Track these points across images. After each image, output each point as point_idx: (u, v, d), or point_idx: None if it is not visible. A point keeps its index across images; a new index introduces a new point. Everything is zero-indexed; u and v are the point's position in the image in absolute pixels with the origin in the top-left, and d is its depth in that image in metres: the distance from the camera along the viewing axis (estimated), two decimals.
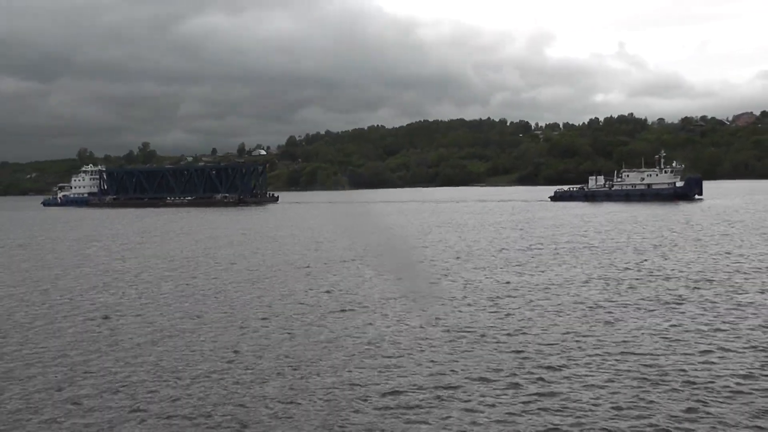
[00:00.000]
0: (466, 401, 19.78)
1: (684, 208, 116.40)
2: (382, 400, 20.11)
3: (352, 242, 65.24)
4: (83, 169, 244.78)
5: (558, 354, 24.36)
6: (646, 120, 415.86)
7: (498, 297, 35.73)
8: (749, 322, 28.66)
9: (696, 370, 22.11)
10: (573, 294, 36.18)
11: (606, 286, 38.53)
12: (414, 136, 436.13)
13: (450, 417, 18.64)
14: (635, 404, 19.14)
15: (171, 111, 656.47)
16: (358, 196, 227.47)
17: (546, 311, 31.80)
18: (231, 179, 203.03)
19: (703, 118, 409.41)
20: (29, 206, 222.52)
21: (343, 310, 33.24)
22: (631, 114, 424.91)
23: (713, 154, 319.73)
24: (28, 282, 45.93)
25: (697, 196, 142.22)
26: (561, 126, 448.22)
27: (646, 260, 48.81)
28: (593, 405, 19.18)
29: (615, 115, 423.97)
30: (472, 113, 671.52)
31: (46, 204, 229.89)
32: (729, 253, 51.29)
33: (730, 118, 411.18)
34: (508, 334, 27.40)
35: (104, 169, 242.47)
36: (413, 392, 20.65)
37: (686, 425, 17.66)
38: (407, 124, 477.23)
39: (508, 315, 31.12)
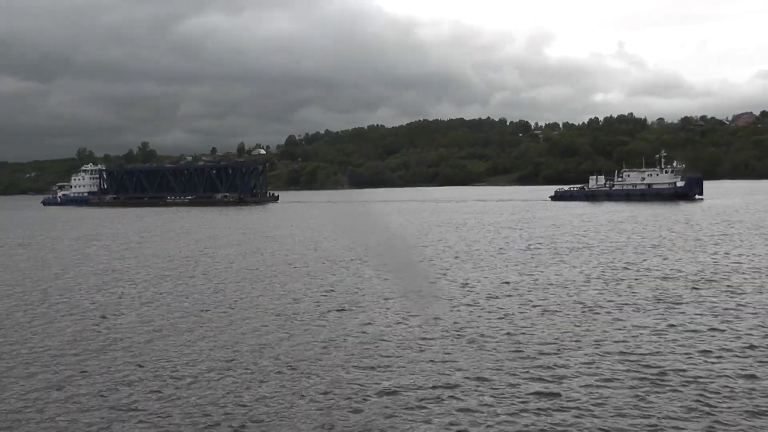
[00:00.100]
0: (465, 400, 19.74)
1: (684, 207, 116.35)
2: (381, 399, 20.06)
3: (351, 242, 65.25)
4: (83, 168, 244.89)
5: (557, 353, 24.32)
6: (645, 120, 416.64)
7: (497, 296, 35.68)
8: (748, 322, 28.62)
9: (695, 369, 22.06)
10: (572, 293, 36.14)
11: (605, 285, 38.48)
12: (414, 136, 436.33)
13: (449, 416, 18.61)
14: (634, 404, 19.10)
15: (171, 111, 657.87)
16: (357, 196, 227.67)
17: (545, 311, 31.75)
18: (231, 179, 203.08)
19: (703, 117, 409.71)
20: (29, 205, 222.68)
21: (342, 309, 33.20)
22: (631, 114, 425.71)
23: (713, 154, 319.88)
24: (28, 281, 45.88)
25: (697, 196, 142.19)
26: (561, 126, 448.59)
27: (645, 260, 48.77)
28: (592, 404, 19.15)
29: (615, 115, 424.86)
30: (471, 113, 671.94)
31: (46, 203, 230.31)
32: (728, 253, 51.27)
33: (730, 118, 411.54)
34: (507, 334, 27.36)
35: (104, 168, 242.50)
36: (412, 391, 20.60)
37: (685, 424, 17.62)
38: (407, 124, 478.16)
39: (507, 314, 31.06)
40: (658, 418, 18.07)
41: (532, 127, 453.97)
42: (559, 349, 24.87)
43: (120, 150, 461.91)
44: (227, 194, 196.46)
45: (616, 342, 25.75)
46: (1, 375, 23.48)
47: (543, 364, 23.11)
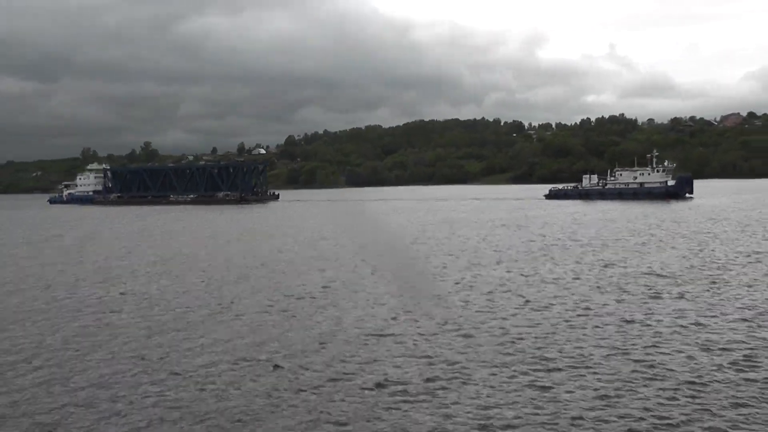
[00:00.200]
0: (459, 392, 19.66)
1: (675, 206, 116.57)
2: (375, 391, 20.00)
3: (349, 239, 65.31)
4: (88, 167, 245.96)
5: (548, 347, 24.27)
6: (636, 120, 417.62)
7: (491, 292, 35.61)
8: (732, 315, 28.64)
9: (683, 361, 22.03)
10: (564, 289, 36.12)
11: (597, 281, 38.47)
12: (411, 136, 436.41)
13: (443, 407, 18.52)
14: (624, 394, 19.05)
15: (171, 111, 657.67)
16: (356, 195, 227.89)
17: (538, 306, 31.72)
18: (232, 178, 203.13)
19: (692, 118, 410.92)
20: (35, 204, 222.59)
21: (337, 305, 33.11)
22: (622, 114, 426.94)
23: (701, 154, 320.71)
24: (32, 278, 45.68)
25: (687, 195, 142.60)
26: (554, 126, 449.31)
27: (636, 257, 48.85)
28: (582, 395, 19.11)
29: (606, 116, 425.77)
30: (466, 113, 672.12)
31: (52, 202, 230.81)
32: (714, 251, 51.30)
33: (718, 119, 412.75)
34: (501, 328, 27.32)
35: (109, 168, 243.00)
36: (406, 384, 20.52)
37: (671, 412, 17.55)
38: (404, 124, 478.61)
39: (500, 310, 31.01)
40: (647, 407, 18.01)
41: (526, 127, 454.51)
42: (551, 343, 24.83)
43: (120, 149, 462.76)
44: (228, 193, 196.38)
45: (606, 336, 25.75)
46: (6, 368, 23.38)
47: (535, 356, 23.07)
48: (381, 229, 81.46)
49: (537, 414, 17.91)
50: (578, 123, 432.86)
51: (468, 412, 18.15)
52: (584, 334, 26.02)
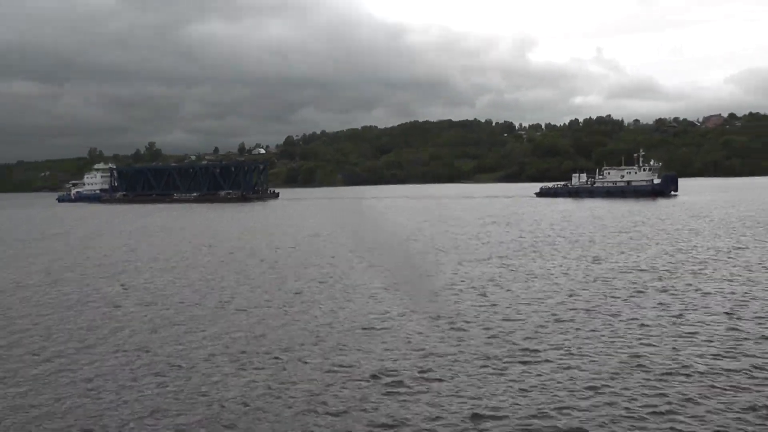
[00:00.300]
0: (450, 382, 19.62)
1: (661, 203, 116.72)
2: (370, 382, 19.96)
3: (347, 236, 65.25)
4: (95, 167, 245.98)
5: (537, 338, 24.25)
6: (622, 121, 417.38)
7: (483, 287, 35.60)
8: (714, 308, 28.66)
9: (666, 352, 22.03)
10: (553, 284, 36.12)
11: (585, 276, 38.50)
12: (406, 136, 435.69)
13: (436, 396, 18.49)
14: (609, 383, 19.03)
15: (173, 112, 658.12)
16: (353, 193, 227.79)
17: (529, 300, 31.71)
18: (234, 177, 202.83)
19: (676, 119, 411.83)
20: (45, 202, 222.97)
21: (334, 299, 33.08)
22: (609, 115, 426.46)
23: (685, 153, 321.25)
24: (41, 273, 45.61)
25: (673, 193, 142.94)
26: (543, 126, 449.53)
27: (622, 252, 48.86)
28: (569, 384, 19.08)
29: (594, 117, 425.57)
30: (459, 114, 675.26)
31: (60, 200, 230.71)
32: (696, 246, 51.41)
33: (701, 120, 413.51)
34: (491, 321, 27.30)
35: (115, 167, 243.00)
36: (400, 373, 20.49)
37: (654, 400, 17.52)
38: (399, 124, 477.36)
39: (492, 304, 31.00)
40: (633, 397, 18.00)
41: (517, 128, 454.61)
42: (540, 335, 24.81)
43: (125, 149, 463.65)
44: (230, 192, 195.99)
45: (593, 328, 25.73)
46: (14, 359, 23.33)
47: (525, 348, 23.04)
48: (377, 227, 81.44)
49: (527, 404, 17.88)
50: (567, 124, 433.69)
51: (461, 402, 18.12)
52: (572, 327, 25.98)
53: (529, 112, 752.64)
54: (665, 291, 33.02)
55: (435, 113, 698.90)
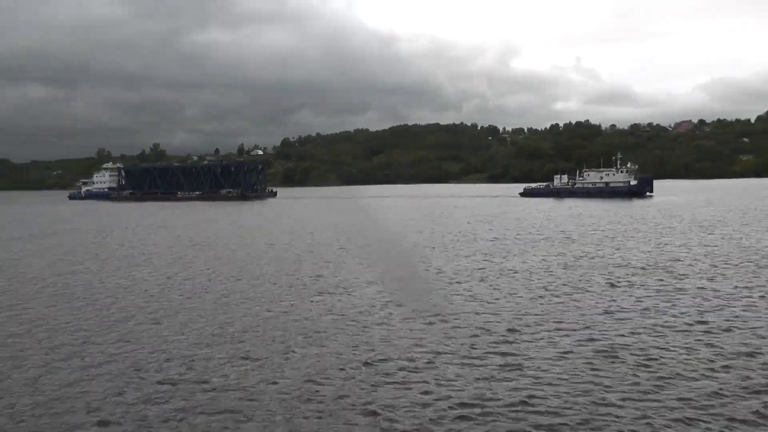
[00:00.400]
0: (437, 371, 19.57)
1: (637, 203, 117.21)
2: (362, 370, 19.90)
3: (341, 234, 65.19)
4: (104, 166, 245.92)
5: (520, 331, 24.24)
6: (600, 126, 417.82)
7: (469, 282, 35.59)
8: (687, 302, 28.74)
9: (642, 344, 22.06)
10: (535, 279, 36.18)
11: (564, 271, 38.54)
12: (396, 139, 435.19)
13: (425, 384, 18.44)
14: (589, 373, 19.04)
15: (177, 115, 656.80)
16: (346, 192, 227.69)
17: (510, 294, 31.74)
18: (234, 176, 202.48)
19: (650, 124, 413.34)
20: (57, 200, 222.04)
21: (328, 293, 32.99)
22: (587, 120, 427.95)
23: (658, 156, 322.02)
24: (53, 266, 45.32)
25: (648, 194, 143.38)
26: (526, 130, 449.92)
27: (600, 249, 48.97)
28: (551, 375, 19.06)
29: (573, 121, 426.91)
30: (446, 118, 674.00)
31: (72, 197, 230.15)
32: (667, 244, 51.58)
33: (672, 125, 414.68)
34: (477, 314, 27.27)
35: (122, 167, 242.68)
36: (391, 362, 20.43)
37: (632, 389, 17.53)
38: (389, 128, 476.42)
39: (477, 298, 31.02)
40: (609, 385, 18.01)
41: (501, 132, 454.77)
42: (522, 328, 24.77)
43: (132, 149, 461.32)
44: (231, 190, 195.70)
45: (572, 320, 25.76)
46: (27, 346, 23.20)
47: (508, 339, 23.02)
48: (369, 224, 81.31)
49: (510, 391, 17.86)
50: (548, 128, 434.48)
51: (448, 388, 18.08)
52: (552, 320, 25.96)
53: (513, 116, 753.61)
54: (640, 286, 33.06)
55: (423, 117, 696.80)
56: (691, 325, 24.73)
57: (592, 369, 19.60)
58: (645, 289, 32.04)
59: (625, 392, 17.63)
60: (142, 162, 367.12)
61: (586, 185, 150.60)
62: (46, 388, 18.88)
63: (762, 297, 29.63)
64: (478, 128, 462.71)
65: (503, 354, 21.27)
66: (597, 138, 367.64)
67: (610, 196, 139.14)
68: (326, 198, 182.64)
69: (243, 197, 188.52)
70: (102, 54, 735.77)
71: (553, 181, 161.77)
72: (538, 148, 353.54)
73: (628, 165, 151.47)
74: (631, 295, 30.64)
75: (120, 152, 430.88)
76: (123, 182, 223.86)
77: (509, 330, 24.33)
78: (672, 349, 21.54)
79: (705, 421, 15.70)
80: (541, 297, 30.65)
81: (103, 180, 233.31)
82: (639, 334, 23.54)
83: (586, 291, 31.99)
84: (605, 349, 21.63)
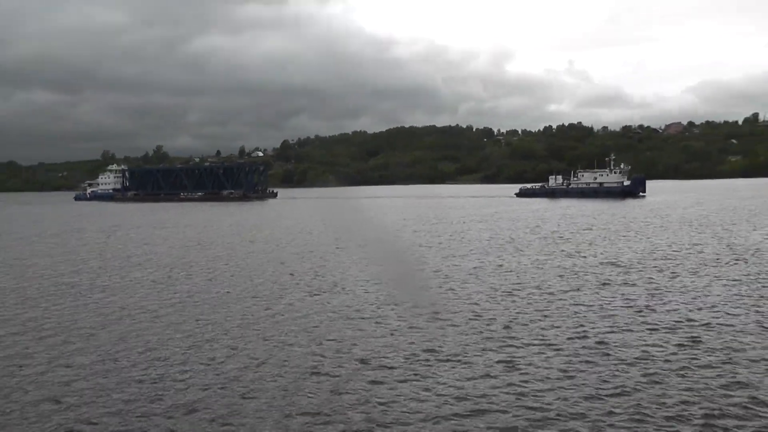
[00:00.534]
0: (433, 368, 19.56)
1: (630, 203, 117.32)
2: (358, 366, 19.88)
3: (340, 233, 65.07)
4: (109, 168, 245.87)
5: (516, 329, 24.23)
6: (592, 128, 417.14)
7: (465, 281, 35.58)
8: (676, 299, 28.77)
9: (633, 340, 22.08)
10: (531, 278, 36.16)
11: (559, 270, 38.55)
12: (393, 140, 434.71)
13: (423, 381, 18.44)
14: (581, 369, 19.04)
15: (179, 119, 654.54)
16: (344, 193, 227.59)
17: (508, 293, 31.74)
18: (236, 177, 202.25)
19: (640, 126, 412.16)
20: (63, 200, 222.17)
21: (325, 292, 33.00)
22: (580, 122, 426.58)
23: (649, 157, 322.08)
24: (63, 264, 45.23)
25: (641, 194, 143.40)
26: (520, 132, 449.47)
27: (593, 247, 49.05)
28: (544, 370, 19.05)
29: (566, 123, 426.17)
30: (442, 120, 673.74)
31: (77, 198, 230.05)
32: (653, 242, 51.64)
33: (663, 127, 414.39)
34: (472, 312, 27.26)
35: (126, 168, 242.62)
36: (387, 359, 20.43)
37: (622, 380, 17.52)
38: (386, 130, 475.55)
39: (473, 296, 31.04)
40: (604, 379, 18.00)
41: (495, 133, 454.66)
42: (518, 325, 24.78)
43: (135, 152, 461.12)
44: (232, 191, 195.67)
45: (566, 319, 25.75)
46: (32, 342, 23.14)
47: (504, 336, 22.99)
48: (366, 224, 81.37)
49: (505, 388, 17.85)
50: (541, 130, 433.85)
51: (444, 386, 18.06)
52: (546, 318, 25.98)
53: (507, 118, 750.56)
54: (632, 284, 33.08)
55: (419, 120, 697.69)
56: (682, 322, 24.70)
57: (586, 366, 19.55)
58: (638, 287, 32.02)
59: (618, 389, 17.58)
60: (145, 164, 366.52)
61: (580, 186, 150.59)
62: (48, 385, 18.83)
63: (750, 294, 29.65)
64: (473, 130, 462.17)
65: (498, 351, 21.22)
66: (589, 139, 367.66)
67: (604, 197, 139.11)
68: (325, 198, 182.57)
69: (245, 198, 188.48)
70: (106, 60, 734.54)
71: (548, 181, 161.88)
72: (532, 149, 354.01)
73: (622, 166, 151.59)
74: (623, 293, 30.60)
75: (124, 155, 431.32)
76: (127, 183, 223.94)
77: (504, 328, 24.29)
78: (664, 346, 21.51)
79: (697, 416, 15.68)
80: (535, 296, 30.59)
81: (107, 181, 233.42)
82: (632, 331, 23.52)
83: (580, 289, 31.95)
84: (599, 346, 21.59)
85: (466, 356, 20.73)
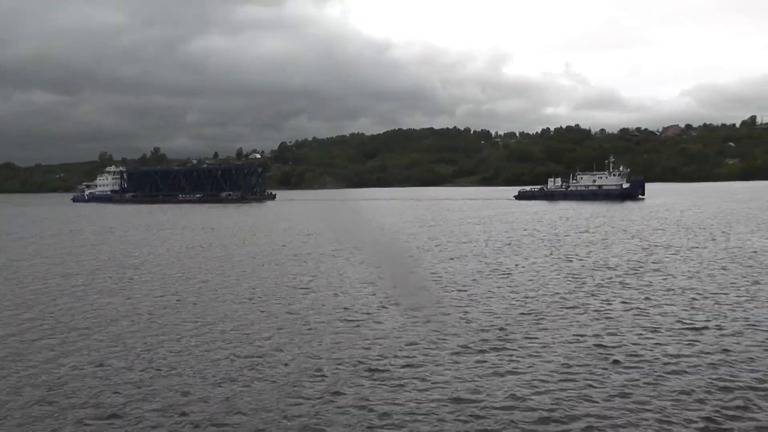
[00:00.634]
0: (431, 369, 19.51)
1: (629, 205, 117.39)
2: (357, 368, 19.83)
3: (339, 235, 64.83)
4: (107, 170, 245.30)
5: (512, 330, 24.21)
6: (589, 130, 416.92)
7: (462, 282, 35.58)
8: (675, 300, 28.81)
9: (631, 340, 22.08)
10: (528, 280, 36.15)
11: (557, 273, 38.56)
12: (391, 143, 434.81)
13: (420, 381, 18.36)
14: (579, 370, 19.02)
15: (178, 120, 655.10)
16: (342, 195, 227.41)
17: (506, 295, 31.75)
18: (234, 179, 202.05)
19: (638, 129, 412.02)
20: (61, 202, 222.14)
21: (325, 292, 32.96)
22: (577, 125, 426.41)
23: (647, 160, 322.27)
24: (61, 266, 45.21)
25: (640, 196, 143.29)
26: (517, 134, 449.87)
27: (592, 250, 49.05)
28: (543, 371, 19.02)
29: (563, 126, 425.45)
30: (440, 122, 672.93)
31: (75, 200, 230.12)
32: (655, 245, 51.73)
33: (660, 130, 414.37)
34: (469, 314, 27.27)
35: (125, 170, 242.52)
36: (384, 362, 20.40)
37: (617, 377, 17.51)
38: (384, 132, 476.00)
39: (469, 298, 31.03)
40: (600, 383, 17.98)
41: (493, 136, 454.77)
42: (514, 327, 24.76)
43: (133, 153, 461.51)
44: (231, 193, 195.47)
45: (563, 320, 25.75)
46: (29, 343, 23.04)
47: (501, 339, 22.96)
48: (364, 227, 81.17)
49: (503, 389, 17.83)
50: (539, 132, 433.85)
51: (442, 387, 18.03)
52: (544, 320, 25.97)
53: (504, 121, 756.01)
54: (629, 285, 33.15)
55: (417, 122, 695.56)
56: (680, 324, 24.72)
57: (584, 368, 19.53)
58: (634, 289, 32.05)
59: (615, 391, 17.56)
60: (142, 165, 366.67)
61: (579, 188, 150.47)
62: (45, 384, 18.79)
63: (749, 297, 29.70)
64: (471, 132, 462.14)
65: (496, 353, 21.21)
66: (586, 142, 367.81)
67: (603, 199, 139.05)
68: (322, 200, 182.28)
69: (243, 200, 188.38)
70: (105, 60, 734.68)
71: (547, 184, 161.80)
72: (529, 151, 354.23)
73: (621, 168, 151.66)
74: (619, 295, 30.64)
75: (122, 156, 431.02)
76: (125, 185, 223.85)
77: (502, 329, 24.25)
78: (662, 347, 21.51)
79: (693, 420, 15.67)
80: (533, 297, 30.57)
81: (105, 183, 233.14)
82: (631, 331, 23.55)
83: (578, 291, 31.96)
84: (596, 348, 21.59)
85: (463, 359, 20.69)
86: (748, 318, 25.48)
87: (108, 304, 30.92)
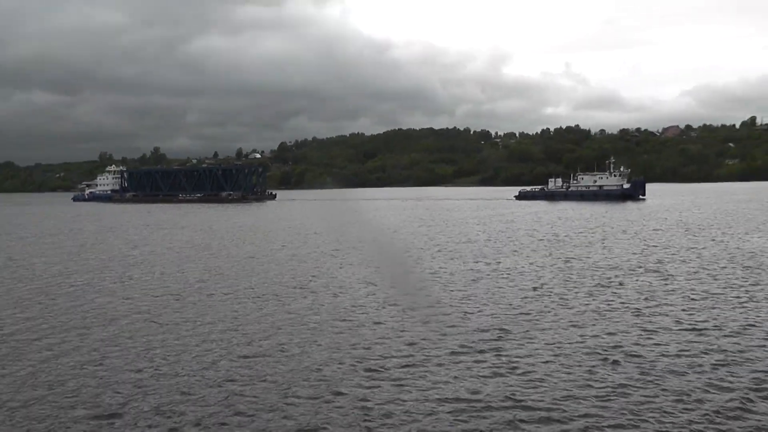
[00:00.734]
0: (431, 368, 19.49)
1: (630, 206, 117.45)
2: (355, 366, 19.79)
3: (339, 235, 64.90)
4: (107, 169, 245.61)
5: (511, 327, 24.18)
6: (589, 130, 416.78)
7: (461, 282, 35.57)
8: (674, 300, 28.80)
9: (631, 341, 22.06)
10: (528, 280, 36.13)
11: (556, 273, 38.52)
12: (390, 142, 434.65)
13: (420, 380, 18.33)
14: (580, 374, 18.99)
15: (178, 120, 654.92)
16: (342, 195, 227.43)
17: (505, 295, 31.72)
18: (235, 179, 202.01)
19: (638, 129, 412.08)
20: (61, 201, 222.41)
21: (324, 292, 32.95)
22: (577, 125, 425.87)
23: (647, 160, 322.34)
24: (60, 265, 45.15)
25: (640, 197, 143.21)
26: (517, 134, 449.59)
27: (591, 251, 49.04)
28: (542, 370, 19.02)
29: (563, 126, 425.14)
30: (439, 123, 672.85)
31: (75, 199, 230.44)
32: (655, 246, 51.73)
33: (660, 130, 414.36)
34: (469, 313, 27.25)
35: (125, 169, 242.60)
36: (386, 361, 20.37)
37: (616, 377, 17.49)
38: (383, 132, 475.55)
39: (469, 299, 30.98)
40: (600, 383, 17.96)
41: (493, 136, 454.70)
42: (514, 327, 24.71)
43: (133, 153, 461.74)
44: (231, 193, 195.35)
45: (563, 320, 25.73)
46: (27, 342, 23.01)
47: (500, 339, 22.93)
48: (364, 227, 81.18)
49: (502, 389, 17.80)
50: (539, 132, 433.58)
51: (442, 386, 18.00)
52: (543, 320, 25.96)
53: (504, 121, 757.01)
54: (629, 286, 33.14)
55: (417, 122, 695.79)
56: (679, 324, 24.71)
57: (583, 368, 19.51)
58: (633, 290, 32.04)
59: (614, 390, 17.55)
60: (142, 165, 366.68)
61: (580, 188, 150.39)
62: (44, 383, 18.75)
63: (749, 298, 29.72)
64: (471, 132, 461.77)
65: (495, 353, 21.18)
66: (586, 142, 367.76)
67: (604, 200, 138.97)
68: (322, 200, 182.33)
69: (243, 199, 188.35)
70: (105, 60, 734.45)
71: (547, 184, 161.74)
72: (529, 151, 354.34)
73: (621, 169, 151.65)
74: (619, 295, 30.62)
75: (122, 156, 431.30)
76: (125, 185, 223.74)
77: (501, 329, 24.24)
78: (661, 347, 21.49)
79: (694, 420, 15.64)
80: (532, 297, 30.56)
81: (106, 182, 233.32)
82: (629, 331, 23.54)
83: (577, 291, 31.96)
84: (595, 348, 21.56)
85: (463, 358, 20.67)
86: (747, 318, 25.48)
87: (107, 303, 30.91)
